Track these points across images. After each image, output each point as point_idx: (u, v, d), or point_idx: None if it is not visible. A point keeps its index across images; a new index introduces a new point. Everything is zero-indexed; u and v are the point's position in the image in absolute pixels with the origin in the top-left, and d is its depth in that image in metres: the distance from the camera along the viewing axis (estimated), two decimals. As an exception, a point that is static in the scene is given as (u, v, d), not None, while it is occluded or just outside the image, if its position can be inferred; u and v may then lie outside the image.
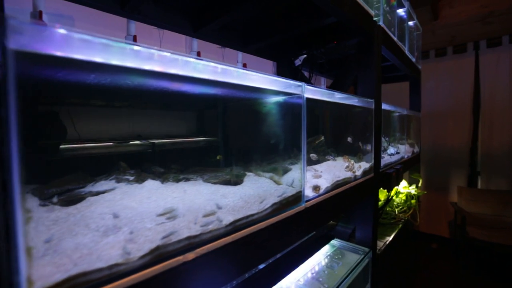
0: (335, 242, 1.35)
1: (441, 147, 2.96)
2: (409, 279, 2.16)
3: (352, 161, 1.15)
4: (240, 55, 1.54)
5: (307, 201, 0.76)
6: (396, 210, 1.92)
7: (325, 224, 0.84)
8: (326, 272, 1.08)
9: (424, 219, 3.02)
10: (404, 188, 1.98)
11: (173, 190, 0.61)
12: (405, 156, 1.81)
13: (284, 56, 1.61)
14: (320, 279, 1.02)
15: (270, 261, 1.12)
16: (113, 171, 0.68)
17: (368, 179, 1.15)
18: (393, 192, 1.85)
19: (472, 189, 2.68)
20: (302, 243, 1.32)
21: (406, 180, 2.13)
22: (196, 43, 1.35)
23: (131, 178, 0.63)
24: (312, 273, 1.07)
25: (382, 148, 1.67)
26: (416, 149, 2.20)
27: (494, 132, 2.63)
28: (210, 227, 0.47)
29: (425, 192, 2.10)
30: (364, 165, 1.19)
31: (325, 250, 1.30)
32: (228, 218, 0.51)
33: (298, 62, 1.61)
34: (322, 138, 1.32)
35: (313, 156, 1.10)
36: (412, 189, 2.02)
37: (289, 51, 1.58)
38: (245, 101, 1.14)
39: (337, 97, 1.02)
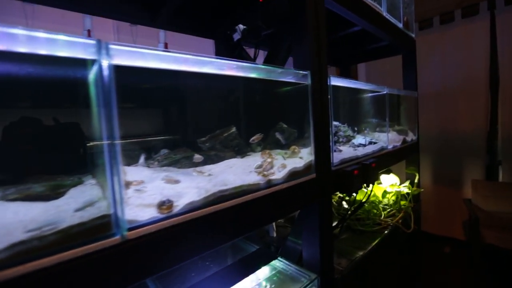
0: (278, 263, 1.04)
1: (451, 132, 2.48)
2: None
3: (271, 159, 0.83)
4: (162, 35, 1.25)
5: (132, 228, 0.46)
6: (383, 213, 1.55)
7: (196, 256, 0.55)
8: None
9: (434, 218, 2.57)
10: (391, 186, 1.60)
11: None
12: (389, 147, 1.43)
13: (217, 31, 1.30)
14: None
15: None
16: None
17: (302, 183, 0.83)
18: (358, 198, 1.49)
19: (490, 182, 2.20)
20: (230, 265, 1.02)
21: (397, 175, 1.74)
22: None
23: None
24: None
25: (341, 138, 1.31)
26: (411, 137, 1.79)
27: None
28: None
29: (422, 190, 1.69)
30: (297, 162, 0.86)
31: (263, 273, 1.00)
32: None
33: (237, 36, 1.29)
34: (234, 129, 1.01)
35: (197, 157, 0.79)
36: (405, 187, 1.63)
37: (222, 24, 1.27)
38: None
39: (241, 69, 0.71)
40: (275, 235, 1.36)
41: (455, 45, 2.45)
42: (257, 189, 0.71)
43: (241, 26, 1.27)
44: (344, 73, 2.33)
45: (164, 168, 0.87)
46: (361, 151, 1.23)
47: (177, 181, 0.65)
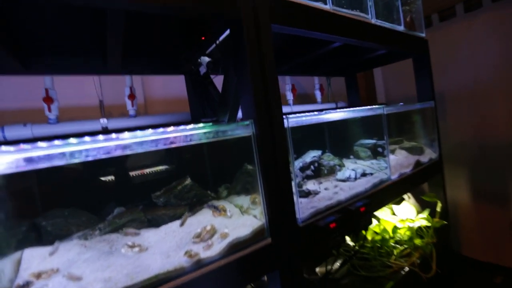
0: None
1: (490, 137, 2.07)
2: None
3: (210, 227, 0.70)
4: (128, 80, 1.22)
5: None
6: (395, 252, 1.31)
7: None
8: None
9: (478, 241, 2.15)
10: (401, 221, 1.35)
11: None
12: (392, 177, 1.20)
13: (184, 67, 1.22)
14: None
15: None
16: None
17: (250, 254, 0.69)
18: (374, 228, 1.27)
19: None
20: None
21: (413, 204, 1.47)
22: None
23: None
24: None
25: (325, 170, 1.12)
26: (429, 155, 1.51)
27: None
28: None
29: (445, 222, 1.40)
30: (247, 225, 0.73)
31: None
32: None
33: (203, 69, 1.20)
34: (188, 180, 0.91)
35: (130, 231, 0.71)
36: (422, 219, 1.36)
37: (187, 59, 1.19)
38: None
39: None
40: None
41: (487, 35, 2.05)
42: (182, 274, 0.60)
43: (206, 59, 1.17)
44: (351, 82, 2.10)
45: (106, 237, 0.81)
46: (349, 188, 1.04)
47: (78, 278, 0.57)
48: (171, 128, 0.61)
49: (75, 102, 1.43)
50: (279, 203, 0.76)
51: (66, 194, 0.86)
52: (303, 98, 2.34)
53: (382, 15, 1.34)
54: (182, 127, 0.63)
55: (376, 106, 1.22)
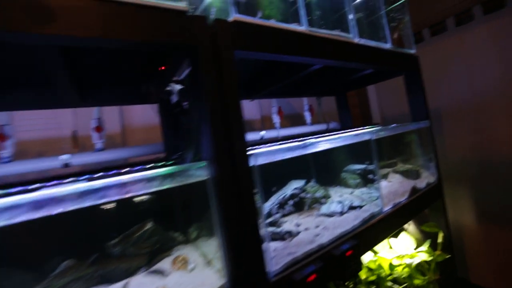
0: None
1: (492, 154, 1.95)
2: None
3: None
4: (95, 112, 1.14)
5: None
6: (393, 293, 1.17)
7: None
8: None
9: (487, 267, 1.97)
10: (398, 258, 1.21)
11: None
12: (385, 209, 1.08)
13: (155, 96, 1.15)
14: None
15: None
16: None
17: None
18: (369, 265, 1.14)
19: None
20: None
21: (413, 234, 1.34)
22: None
23: None
24: None
25: (306, 205, 1.01)
26: (426, 179, 1.39)
27: None
28: None
29: (448, 255, 1.26)
30: (209, 281, 0.61)
31: None
32: None
33: (174, 98, 1.12)
34: (149, 225, 0.81)
35: None
36: (422, 252, 1.23)
37: (157, 88, 1.11)
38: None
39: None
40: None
41: (481, 48, 1.98)
42: None
43: (177, 87, 1.10)
44: (341, 101, 2.02)
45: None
46: (334, 226, 0.92)
47: None
48: (105, 180, 0.52)
49: (47, 134, 1.35)
50: (243, 256, 0.65)
51: None
52: (295, 119, 2.26)
53: (368, 34, 1.27)
54: (123, 176, 0.54)
55: (364, 131, 1.13)
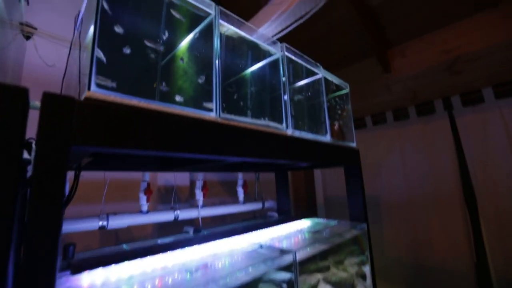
0: None
1: (426, 256, 1.87)
2: None
3: None
4: None
5: None
6: None
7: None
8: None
9: None
10: None
11: None
12: None
13: None
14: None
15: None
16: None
17: None
18: None
19: None
20: None
21: None
22: None
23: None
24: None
25: None
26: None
27: (508, 235, 1.58)
28: None
29: None
30: None
31: None
32: None
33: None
34: None
35: None
36: None
37: None
38: None
39: None
40: None
41: (415, 145, 2.05)
42: None
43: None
44: (280, 179, 1.82)
45: None
46: None
47: None
48: None
49: None
50: None
51: None
52: (231, 186, 1.99)
53: (307, 125, 1.12)
54: None
55: (286, 249, 0.88)
